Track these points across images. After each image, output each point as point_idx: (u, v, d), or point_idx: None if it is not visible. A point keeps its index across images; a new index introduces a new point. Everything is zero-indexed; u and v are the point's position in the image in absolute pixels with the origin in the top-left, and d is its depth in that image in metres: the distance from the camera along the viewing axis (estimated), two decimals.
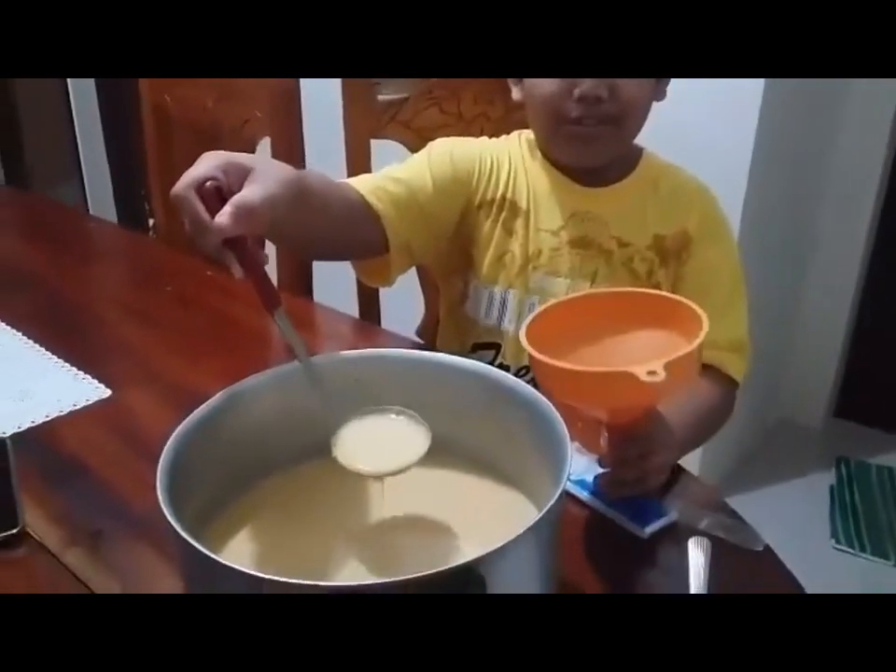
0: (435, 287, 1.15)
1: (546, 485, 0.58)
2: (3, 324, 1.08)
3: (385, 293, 1.25)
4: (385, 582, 0.48)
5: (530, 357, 0.67)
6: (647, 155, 1.00)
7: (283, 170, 0.71)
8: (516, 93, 0.98)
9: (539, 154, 0.99)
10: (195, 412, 0.64)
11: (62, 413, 0.88)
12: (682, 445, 0.79)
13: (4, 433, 0.83)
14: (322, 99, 1.25)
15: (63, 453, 0.83)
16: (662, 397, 0.67)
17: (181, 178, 0.66)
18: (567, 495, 0.72)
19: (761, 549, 0.68)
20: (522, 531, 0.50)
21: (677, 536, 0.69)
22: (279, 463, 0.71)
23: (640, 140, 0.98)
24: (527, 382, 0.67)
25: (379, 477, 0.64)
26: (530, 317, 0.71)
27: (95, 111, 2.72)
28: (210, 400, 0.65)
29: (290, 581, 0.47)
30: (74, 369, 0.97)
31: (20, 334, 1.05)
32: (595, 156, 0.94)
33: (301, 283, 1.30)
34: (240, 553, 0.64)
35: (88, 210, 2.74)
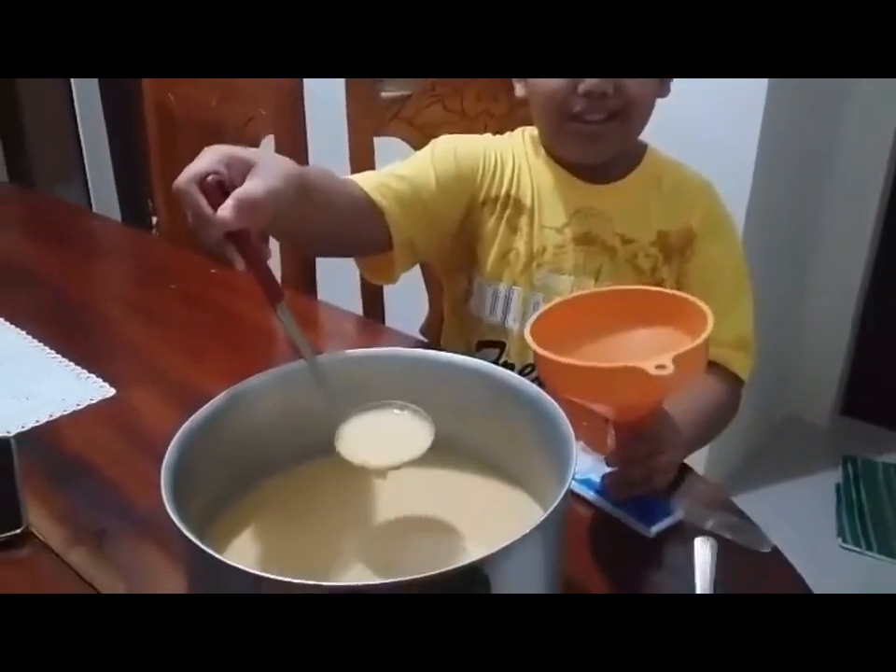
0: (439, 284, 1.15)
1: (551, 485, 0.58)
2: (7, 322, 1.08)
3: (389, 291, 1.25)
4: (390, 583, 0.48)
5: (535, 354, 0.67)
6: (650, 151, 1.00)
7: (285, 164, 0.71)
8: (520, 90, 0.98)
9: (542, 151, 0.99)
10: (199, 411, 0.63)
11: (65, 413, 0.88)
12: (688, 444, 0.79)
13: (8, 432, 0.83)
14: (325, 97, 1.25)
15: (67, 452, 0.83)
16: (670, 391, 0.66)
17: (183, 172, 0.66)
18: (572, 494, 0.71)
19: (768, 550, 0.68)
20: (527, 531, 0.50)
21: (683, 535, 0.69)
22: (283, 462, 0.71)
23: (644, 137, 0.98)
24: (532, 380, 0.67)
25: (382, 471, 0.64)
26: (534, 316, 0.71)
27: (99, 109, 2.72)
28: (213, 400, 0.65)
29: (294, 581, 0.47)
30: (78, 367, 0.97)
31: (23, 333, 1.05)
32: (599, 152, 0.94)
33: (305, 280, 1.30)
34: (244, 553, 0.64)
35: (91, 208, 2.74)
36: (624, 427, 0.70)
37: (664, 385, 0.61)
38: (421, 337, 1.26)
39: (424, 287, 1.30)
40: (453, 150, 0.97)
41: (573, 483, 0.57)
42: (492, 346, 1.02)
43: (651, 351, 0.61)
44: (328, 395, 0.66)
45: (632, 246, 0.97)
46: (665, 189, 0.98)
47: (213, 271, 1.23)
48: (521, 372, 0.93)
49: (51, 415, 0.88)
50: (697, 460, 1.61)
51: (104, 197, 2.81)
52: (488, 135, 1.03)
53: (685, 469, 0.77)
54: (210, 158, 0.66)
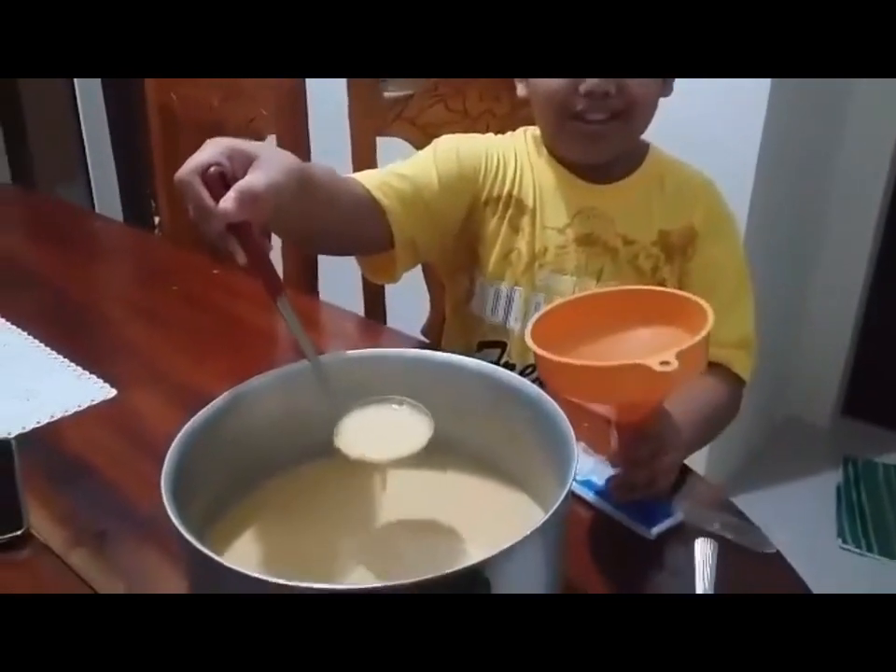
0: (441, 285, 1.15)
1: (552, 486, 0.58)
2: (8, 323, 1.08)
3: (390, 291, 1.25)
4: (390, 586, 0.48)
5: (536, 355, 0.67)
6: (653, 151, 1.00)
7: (287, 158, 0.71)
8: (521, 90, 0.98)
9: (544, 151, 0.99)
10: (199, 413, 0.63)
11: (66, 414, 0.88)
12: (689, 444, 0.79)
13: (9, 434, 0.83)
14: (328, 97, 1.25)
15: (68, 453, 0.83)
16: (674, 388, 0.66)
17: (185, 163, 0.66)
18: (572, 496, 0.71)
19: (770, 551, 0.68)
20: (528, 533, 0.50)
21: (684, 537, 0.69)
22: (283, 463, 0.71)
23: (647, 136, 0.97)
24: (533, 381, 0.67)
25: (381, 465, 0.64)
26: (534, 318, 0.71)
27: (101, 110, 2.73)
28: (214, 401, 0.65)
29: (294, 583, 0.47)
30: (79, 368, 0.97)
31: (25, 333, 1.05)
32: (601, 152, 0.94)
33: (307, 280, 1.30)
34: (244, 554, 0.64)
35: (94, 209, 2.74)
36: (627, 428, 0.70)
37: (668, 382, 0.61)
38: (422, 337, 1.26)
39: (425, 287, 1.30)
40: (455, 150, 0.97)
41: (574, 484, 0.57)
42: (493, 347, 1.01)
43: (651, 350, 0.61)
44: (328, 391, 0.66)
45: (633, 247, 0.97)
46: (668, 189, 0.98)
47: (215, 271, 1.23)
48: (522, 373, 0.93)
49: (52, 416, 0.88)
50: (698, 461, 1.62)
51: (106, 197, 2.82)
52: (490, 135, 1.03)
53: (685, 471, 0.77)
54: (212, 150, 0.66)
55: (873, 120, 1.92)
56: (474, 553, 0.61)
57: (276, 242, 0.89)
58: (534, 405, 0.64)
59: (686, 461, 0.78)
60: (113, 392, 0.92)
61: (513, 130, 1.04)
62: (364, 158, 1.19)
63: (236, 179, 0.65)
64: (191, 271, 1.27)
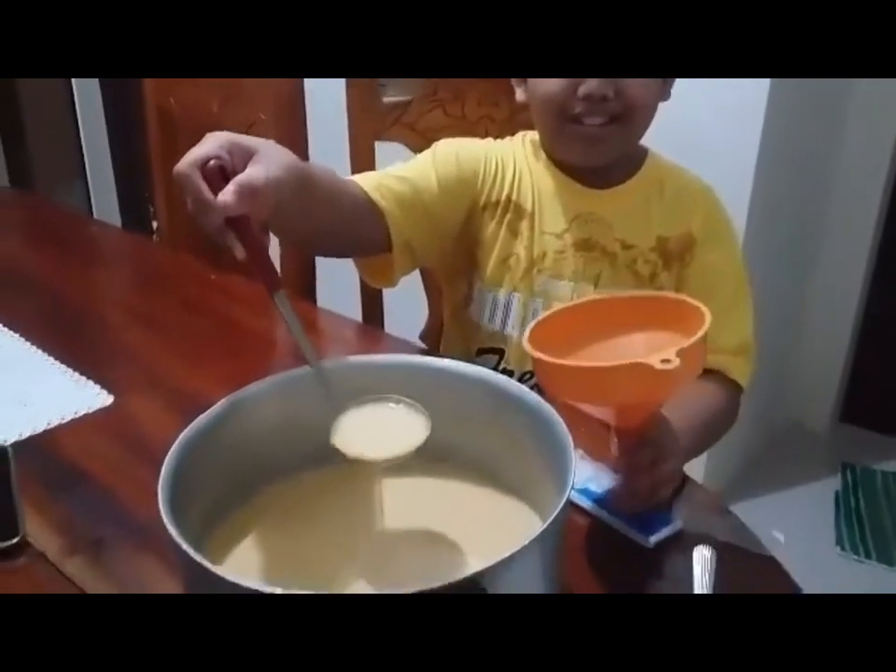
0: (438, 291, 1.14)
1: (550, 495, 0.58)
2: (5, 328, 1.07)
3: (388, 297, 1.25)
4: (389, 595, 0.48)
5: (535, 359, 0.67)
6: (652, 156, 1.00)
7: (287, 155, 0.71)
8: (520, 94, 0.98)
9: (543, 155, 0.99)
10: (197, 419, 0.63)
11: (63, 421, 0.88)
12: (687, 451, 0.78)
13: (5, 441, 0.83)
14: (326, 101, 1.25)
15: (65, 460, 0.83)
16: (674, 388, 0.66)
17: (185, 156, 0.65)
18: (570, 504, 0.71)
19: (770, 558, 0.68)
20: (526, 543, 0.50)
21: (682, 545, 0.69)
22: (282, 470, 0.70)
23: (645, 140, 0.97)
24: (531, 387, 0.66)
25: (377, 464, 0.64)
26: (531, 324, 0.71)
27: (100, 114, 2.72)
28: (212, 408, 0.65)
29: (291, 593, 0.47)
30: (76, 374, 0.97)
31: (22, 338, 1.05)
32: (600, 155, 0.94)
33: (305, 285, 1.30)
34: (244, 561, 0.64)
35: (92, 213, 2.74)
36: (627, 433, 0.70)
37: (669, 381, 0.61)
38: (420, 343, 1.25)
39: (423, 293, 1.29)
40: (454, 153, 0.97)
41: (572, 492, 0.57)
42: (491, 353, 1.01)
43: (649, 352, 0.61)
44: (326, 391, 0.66)
45: (631, 252, 0.97)
46: (667, 195, 0.98)
47: (213, 276, 1.22)
48: (520, 379, 0.93)
49: (49, 423, 0.87)
50: (696, 467, 1.61)
51: (104, 202, 2.81)
52: (489, 139, 1.03)
53: (684, 478, 0.77)
54: (212, 143, 0.66)
55: (872, 128, 1.92)
56: (473, 563, 0.61)
57: (274, 247, 0.89)
58: (532, 412, 0.64)
59: (684, 468, 0.78)
60: (110, 398, 0.92)
61: (512, 135, 1.04)
62: (363, 162, 1.19)
63: (236, 173, 0.65)
64: (189, 275, 1.27)
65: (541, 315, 0.74)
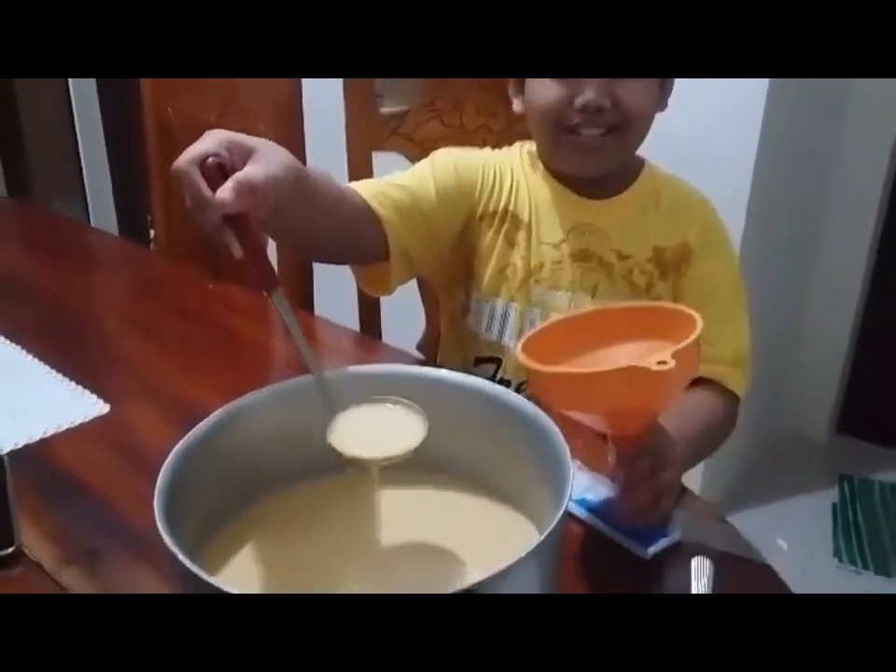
0: (436, 300, 1.14)
1: (547, 505, 0.58)
2: (1, 336, 1.07)
3: (385, 307, 1.25)
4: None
5: (529, 370, 0.66)
6: (648, 167, 1.00)
7: (285, 155, 0.71)
8: (517, 105, 0.98)
9: (540, 166, 0.99)
10: (194, 429, 0.63)
11: (59, 430, 0.88)
12: (685, 460, 0.78)
13: (1, 450, 0.82)
14: (324, 111, 1.25)
15: (61, 469, 0.83)
16: (669, 391, 0.66)
17: (184, 153, 0.65)
18: (567, 515, 0.71)
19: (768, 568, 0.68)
20: (523, 555, 0.49)
21: (679, 556, 0.68)
22: (279, 480, 0.70)
23: (643, 149, 0.98)
24: (528, 397, 0.66)
25: (374, 464, 0.63)
26: (524, 338, 0.71)
27: (98, 123, 2.73)
28: (209, 418, 0.65)
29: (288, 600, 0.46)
30: (72, 383, 0.97)
31: (18, 347, 1.05)
32: (597, 166, 0.94)
33: (302, 295, 1.30)
34: (241, 571, 0.63)
35: (89, 222, 2.74)
36: (624, 442, 0.69)
37: (665, 383, 0.61)
38: (418, 353, 1.25)
39: (421, 302, 1.30)
40: (453, 162, 0.97)
41: (569, 503, 0.57)
42: (489, 362, 1.01)
43: (644, 355, 0.61)
44: (321, 388, 0.65)
45: (628, 262, 0.97)
46: (663, 206, 0.98)
47: (210, 286, 1.22)
48: (517, 389, 0.93)
49: (45, 432, 0.87)
50: (693, 478, 1.61)
51: (102, 211, 2.81)
52: (487, 149, 1.03)
53: (682, 489, 0.77)
54: (211, 141, 0.66)
55: (871, 126, 1.92)
56: (470, 574, 0.61)
57: (272, 255, 0.88)
58: (529, 422, 0.64)
59: (681, 479, 0.77)
60: (106, 408, 0.92)
61: (510, 145, 1.04)
62: (360, 172, 1.19)
63: (234, 171, 0.65)
64: (186, 285, 1.27)
65: (535, 328, 0.74)
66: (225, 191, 0.62)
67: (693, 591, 0.63)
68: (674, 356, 0.59)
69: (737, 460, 1.96)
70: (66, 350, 1.06)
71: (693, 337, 0.63)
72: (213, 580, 0.49)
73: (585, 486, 0.74)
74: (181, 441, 0.61)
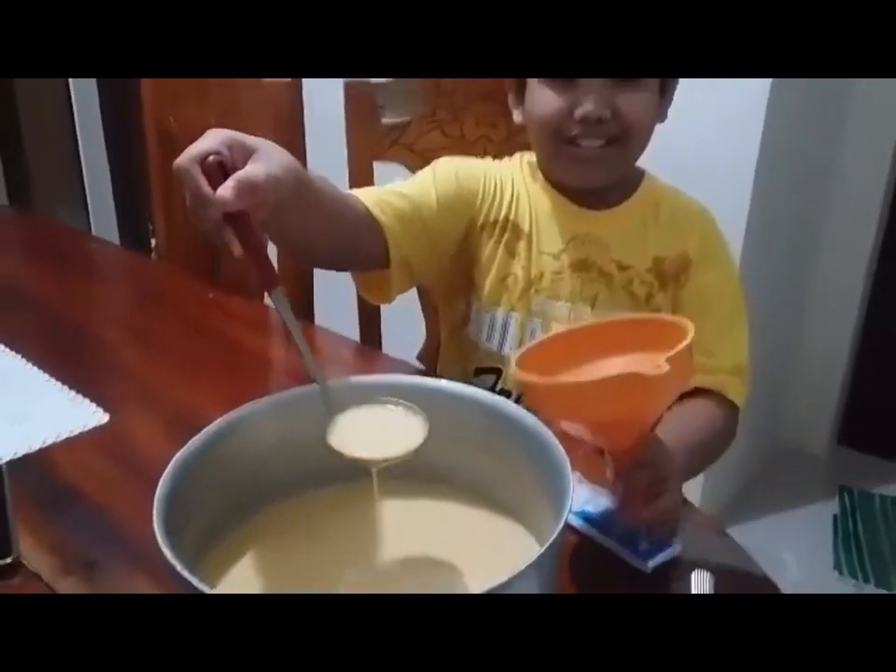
0: (436, 310, 1.14)
1: (546, 517, 0.58)
2: (2, 345, 1.07)
3: (386, 316, 1.25)
4: None
5: (525, 384, 0.66)
6: (648, 178, 1.00)
7: (286, 156, 0.71)
8: (517, 116, 0.98)
9: (540, 176, 0.99)
10: (193, 439, 0.63)
11: (59, 440, 0.87)
12: (685, 468, 0.78)
13: (0, 459, 0.82)
14: (325, 121, 1.25)
15: (59, 479, 0.82)
16: (663, 398, 0.66)
17: (185, 151, 0.65)
18: (567, 526, 0.71)
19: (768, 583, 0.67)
20: (522, 568, 0.49)
21: (679, 569, 0.68)
22: (279, 490, 0.70)
23: (643, 160, 0.98)
24: (527, 408, 0.66)
25: (373, 465, 0.63)
26: (520, 351, 0.71)
27: (99, 132, 2.73)
28: (208, 427, 0.65)
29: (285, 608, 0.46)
30: (72, 392, 0.96)
31: (19, 356, 1.05)
32: (597, 177, 0.94)
33: (302, 304, 1.30)
34: (240, 581, 0.63)
35: (90, 231, 2.74)
36: (621, 456, 0.69)
37: (658, 389, 0.61)
38: (418, 363, 1.25)
39: (421, 312, 1.30)
40: (454, 171, 0.97)
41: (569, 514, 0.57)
42: (489, 373, 1.01)
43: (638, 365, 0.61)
44: (323, 389, 0.65)
45: (628, 273, 0.97)
46: (663, 216, 0.98)
47: (210, 295, 1.22)
48: (517, 400, 0.93)
49: (44, 442, 0.87)
50: (693, 490, 1.60)
51: (103, 220, 2.82)
52: (488, 159, 1.03)
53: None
54: (213, 139, 0.66)
55: (871, 139, 1.92)
56: (470, 586, 0.61)
57: (273, 263, 0.88)
58: (529, 433, 0.64)
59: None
60: (106, 417, 0.92)
61: (510, 156, 1.04)
62: (361, 182, 1.19)
63: (235, 170, 0.65)
64: (187, 294, 1.27)
65: (531, 342, 0.74)
66: (225, 189, 0.63)
67: None
68: (668, 360, 0.59)
69: (737, 471, 1.96)
70: (66, 358, 1.06)
71: (684, 343, 0.63)
72: (211, 592, 0.49)
73: (585, 498, 0.74)
74: (180, 451, 0.61)
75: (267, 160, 0.67)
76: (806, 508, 2.01)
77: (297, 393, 0.69)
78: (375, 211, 0.88)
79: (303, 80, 1.25)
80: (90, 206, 2.82)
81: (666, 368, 0.59)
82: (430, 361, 1.24)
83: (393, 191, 0.92)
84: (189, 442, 0.63)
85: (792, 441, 2.20)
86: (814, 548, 1.88)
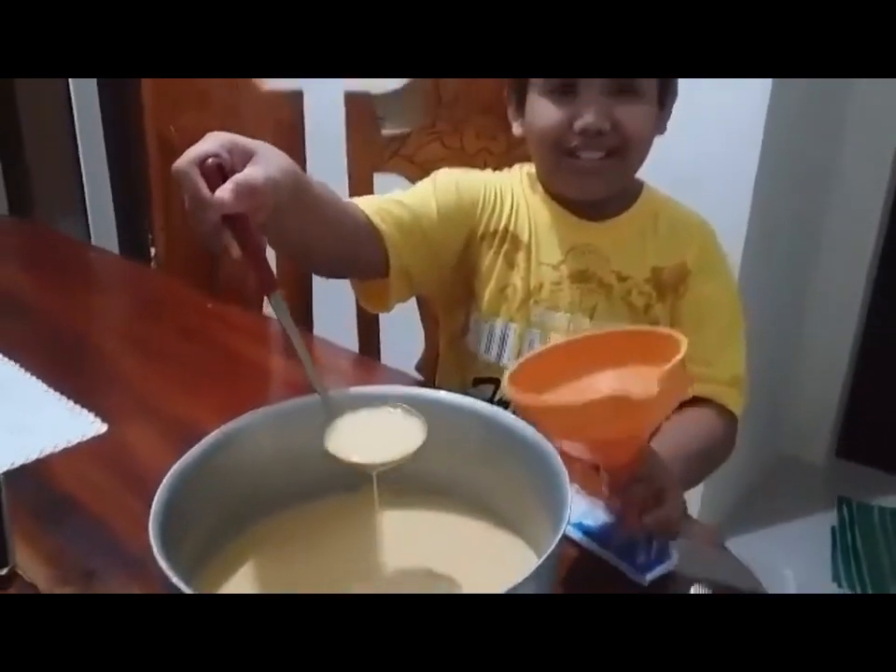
0: (435, 321, 1.15)
1: (545, 530, 0.58)
2: (1, 354, 1.07)
3: (384, 326, 1.25)
4: None
5: (514, 401, 0.66)
6: (647, 189, 1.01)
7: (286, 159, 0.71)
8: (517, 128, 0.99)
9: (539, 188, 1.00)
10: (191, 450, 0.63)
11: (56, 450, 0.87)
12: (683, 479, 0.77)
13: None
14: (326, 132, 1.26)
15: (57, 489, 0.82)
16: (655, 417, 0.66)
17: (184, 154, 0.65)
18: (565, 539, 0.71)
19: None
20: (520, 580, 0.49)
21: (677, 583, 0.68)
22: (278, 501, 0.70)
23: (642, 171, 0.98)
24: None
25: (372, 469, 0.63)
26: (511, 368, 0.70)
27: (100, 141, 2.74)
28: (206, 438, 0.65)
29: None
30: (70, 402, 0.96)
31: (17, 365, 1.05)
32: (597, 189, 0.95)
33: (301, 314, 1.30)
34: (238, 592, 0.63)
35: (90, 240, 2.74)
36: (617, 471, 0.69)
37: (649, 409, 0.61)
38: (416, 374, 1.25)
39: (420, 322, 1.30)
40: (454, 182, 0.97)
41: (566, 526, 0.57)
42: (488, 383, 1.01)
43: (630, 383, 0.61)
44: (322, 395, 0.65)
45: (626, 284, 0.97)
46: (661, 227, 0.98)
47: (209, 305, 1.22)
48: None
49: (42, 452, 0.86)
50: (692, 501, 1.60)
51: (103, 229, 2.82)
52: (488, 171, 1.03)
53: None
54: (212, 142, 0.66)
55: (871, 144, 1.92)
56: None
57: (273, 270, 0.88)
58: (527, 445, 0.64)
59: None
60: (104, 427, 0.92)
61: (509, 168, 1.04)
62: (361, 193, 1.18)
63: (234, 173, 0.65)
64: (186, 303, 1.27)
65: (522, 358, 0.73)
66: (224, 191, 0.62)
67: None
68: (657, 382, 0.59)
69: (736, 483, 1.95)
70: (65, 368, 1.06)
71: (675, 360, 0.62)
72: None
73: (584, 510, 0.74)
74: (178, 462, 0.61)
75: (266, 162, 0.67)
76: (805, 519, 2.01)
77: (295, 404, 0.69)
78: (376, 219, 0.88)
79: (304, 91, 1.26)
80: (89, 216, 2.82)
81: (655, 390, 0.58)
82: (429, 371, 1.24)
83: (393, 200, 0.93)
84: (188, 453, 0.63)
85: (792, 453, 2.20)
86: (813, 560, 1.88)
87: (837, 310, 2.08)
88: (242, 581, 0.64)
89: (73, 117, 2.71)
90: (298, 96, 1.25)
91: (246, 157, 0.66)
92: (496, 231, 0.98)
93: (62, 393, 0.98)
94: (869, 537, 1.94)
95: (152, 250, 2.16)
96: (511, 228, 0.98)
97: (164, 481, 0.59)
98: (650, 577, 0.68)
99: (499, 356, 0.99)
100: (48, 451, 0.87)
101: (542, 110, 0.92)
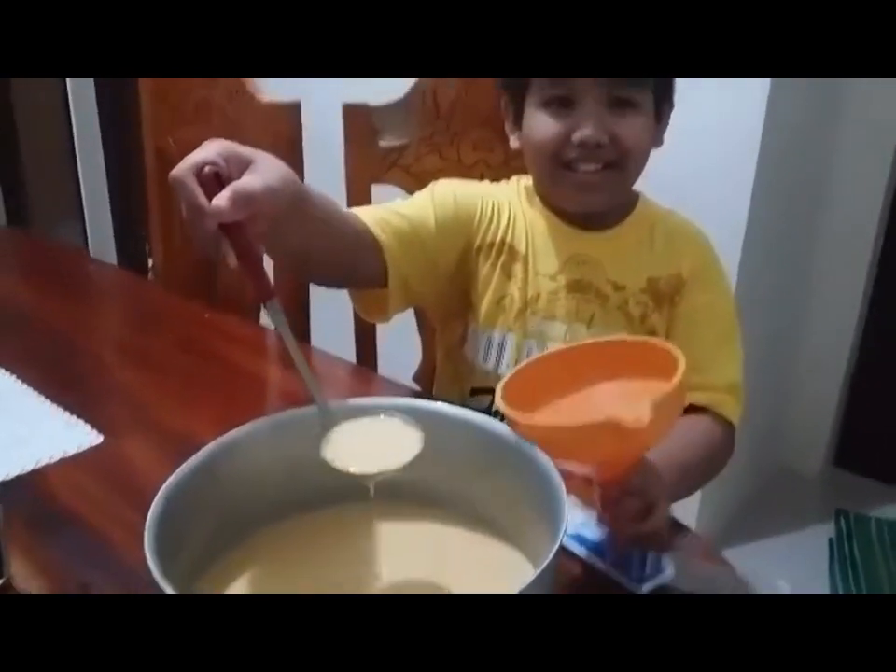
0: (433, 331, 1.15)
1: (543, 542, 0.57)
2: None
3: (382, 337, 1.25)
4: None
5: (507, 419, 0.66)
6: (643, 200, 1.01)
7: (284, 168, 0.71)
8: (514, 141, 0.99)
9: (536, 200, 1.00)
10: (187, 462, 0.63)
11: (52, 461, 0.87)
12: (676, 487, 0.77)
13: None
14: (324, 144, 1.26)
15: (53, 501, 0.82)
16: (649, 441, 0.66)
17: (181, 162, 0.65)
18: (562, 550, 0.70)
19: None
20: (517, 591, 0.49)
21: (674, 593, 0.68)
22: (274, 512, 0.70)
23: (640, 182, 0.98)
24: None
25: (369, 478, 0.63)
26: (505, 378, 0.70)
27: (99, 153, 2.75)
28: (203, 449, 0.64)
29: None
30: (67, 413, 0.96)
31: (13, 376, 1.05)
32: (594, 201, 0.95)
33: (299, 324, 1.30)
34: None
35: (88, 251, 2.75)
36: (609, 485, 0.69)
37: (644, 435, 0.60)
38: (413, 384, 1.25)
39: (417, 333, 1.30)
40: (452, 193, 0.97)
41: (564, 538, 0.56)
42: (485, 393, 1.01)
43: (626, 402, 0.60)
44: (320, 405, 0.65)
45: (623, 293, 0.97)
46: (658, 238, 0.99)
47: (206, 315, 1.22)
48: None
49: (38, 463, 0.86)
50: (689, 512, 1.60)
51: (101, 240, 2.82)
52: (486, 182, 1.04)
53: (676, 525, 0.76)
54: (209, 150, 0.66)
55: (868, 152, 1.92)
56: None
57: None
58: (525, 457, 0.64)
59: (676, 513, 0.77)
60: (100, 438, 0.91)
61: (507, 180, 1.05)
62: (359, 204, 1.19)
63: (231, 181, 0.64)
64: (184, 315, 1.27)
65: (512, 370, 0.73)
66: (221, 199, 0.62)
67: None
68: (652, 408, 0.58)
69: (733, 494, 1.95)
70: (62, 379, 1.06)
71: (672, 384, 0.62)
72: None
73: (581, 522, 0.73)
74: (174, 474, 0.61)
75: (264, 171, 0.66)
76: (802, 531, 2.01)
77: (293, 414, 0.69)
78: (376, 230, 0.88)
79: (302, 102, 1.26)
80: (88, 227, 2.83)
81: (647, 419, 0.57)
82: (426, 382, 1.24)
83: (392, 211, 0.93)
84: (184, 464, 0.62)
85: (789, 464, 2.20)
86: (810, 571, 1.87)
87: (835, 320, 2.09)
88: (239, 592, 0.64)
89: (71, 128, 2.72)
90: (296, 108, 1.26)
91: (244, 165, 0.66)
92: (493, 243, 0.98)
93: (58, 404, 0.98)
94: (866, 548, 1.94)
95: (150, 261, 2.16)
96: (509, 239, 0.98)
97: (161, 492, 0.59)
98: (646, 587, 0.68)
99: (497, 365, 0.99)
100: (44, 462, 0.87)
101: (540, 123, 0.92)
